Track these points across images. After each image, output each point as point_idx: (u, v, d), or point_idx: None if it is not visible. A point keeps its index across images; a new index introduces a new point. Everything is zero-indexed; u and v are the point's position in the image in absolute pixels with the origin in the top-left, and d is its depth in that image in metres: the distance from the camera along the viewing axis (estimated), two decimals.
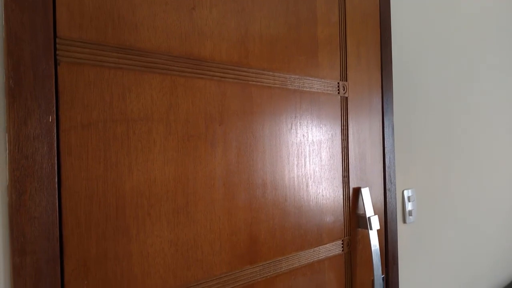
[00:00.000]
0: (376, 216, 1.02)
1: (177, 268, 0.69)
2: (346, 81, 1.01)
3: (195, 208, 0.71)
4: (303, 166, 0.90)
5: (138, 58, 0.64)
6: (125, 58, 0.62)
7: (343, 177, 1.00)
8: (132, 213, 0.63)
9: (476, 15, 1.69)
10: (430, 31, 1.39)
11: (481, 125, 1.72)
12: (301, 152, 0.89)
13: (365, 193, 1.03)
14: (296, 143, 0.88)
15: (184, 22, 0.70)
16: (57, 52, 0.56)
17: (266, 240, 0.82)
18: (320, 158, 0.94)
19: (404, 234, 1.26)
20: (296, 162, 0.88)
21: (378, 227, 1.02)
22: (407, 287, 1.26)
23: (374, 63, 1.10)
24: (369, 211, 1.02)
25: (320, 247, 0.94)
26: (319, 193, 0.94)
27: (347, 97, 1.01)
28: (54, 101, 0.55)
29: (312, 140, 0.92)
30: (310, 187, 0.91)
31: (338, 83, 0.98)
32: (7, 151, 0.51)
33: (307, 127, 0.91)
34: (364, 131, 1.06)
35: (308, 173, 0.91)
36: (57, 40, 0.56)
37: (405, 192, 1.26)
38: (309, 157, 0.91)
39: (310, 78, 0.91)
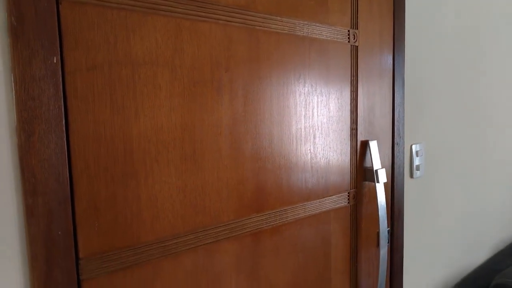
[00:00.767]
0: (384, 169, 1.02)
1: (186, 213, 0.70)
2: (357, 29, 0.97)
3: (202, 156, 0.71)
4: (310, 117, 0.89)
5: None
6: None
7: (351, 129, 0.99)
8: (140, 158, 0.63)
9: None
10: None
11: (493, 81, 1.67)
12: (309, 102, 0.88)
13: (373, 146, 1.02)
14: (304, 93, 0.87)
15: None
16: None
17: (273, 189, 0.83)
18: (328, 109, 0.93)
19: (410, 189, 1.26)
20: (303, 113, 0.87)
21: (385, 180, 1.02)
22: (412, 241, 1.28)
23: (387, 11, 1.06)
24: (376, 164, 1.02)
25: (326, 198, 0.95)
26: (326, 145, 0.93)
27: (357, 46, 0.98)
28: (58, 41, 0.54)
29: (321, 90, 0.90)
30: (318, 138, 0.91)
31: (349, 31, 0.95)
32: (14, 91, 0.51)
33: (315, 76, 0.89)
34: (374, 83, 1.04)
35: (316, 124, 0.90)
36: None
37: (414, 147, 1.25)
38: (317, 108, 0.90)
39: (320, 25, 0.88)
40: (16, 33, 0.50)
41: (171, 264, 0.69)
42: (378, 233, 1.08)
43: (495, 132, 1.72)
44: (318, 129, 0.91)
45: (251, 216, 0.80)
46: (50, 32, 0.53)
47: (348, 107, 0.98)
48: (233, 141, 0.75)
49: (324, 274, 0.96)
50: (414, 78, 1.23)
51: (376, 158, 1.02)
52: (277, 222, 0.84)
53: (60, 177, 0.55)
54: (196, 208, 0.71)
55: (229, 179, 0.76)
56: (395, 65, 1.11)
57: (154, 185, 0.65)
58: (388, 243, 1.11)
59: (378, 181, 1.02)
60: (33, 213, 0.53)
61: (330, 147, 0.94)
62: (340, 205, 0.98)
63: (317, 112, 0.90)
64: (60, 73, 0.55)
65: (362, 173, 1.04)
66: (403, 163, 1.17)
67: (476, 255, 1.68)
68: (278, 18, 0.80)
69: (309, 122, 0.88)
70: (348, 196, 1.01)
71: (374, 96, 1.04)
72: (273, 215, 0.83)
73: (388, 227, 1.13)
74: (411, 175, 1.26)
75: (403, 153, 1.17)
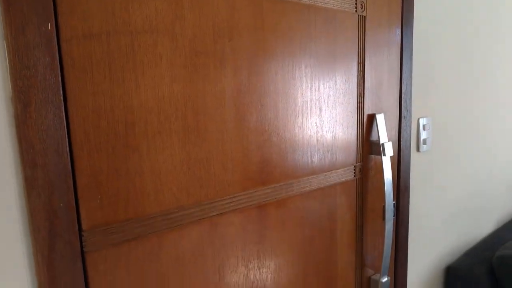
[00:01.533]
0: (390, 142, 1.00)
1: (190, 186, 0.69)
2: None
3: (205, 127, 0.69)
4: (317, 90, 0.86)
5: None
6: None
7: (358, 102, 0.97)
8: (142, 130, 0.62)
9: None
10: None
11: (504, 56, 1.63)
12: (315, 74, 0.85)
13: (380, 119, 1.00)
14: (310, 65, 0.84)
15: None
16: None
17: (278, 163, 0.82)
18: (335, 81, 0.90)
19: (417, 163, 1.24)
20: (310, 85, 0.84)
21: (392, 154, 1.01)
22: (417, 214, 1.28)
23: None
24: (383, 137, 1.00)
25: (332, 172, 0.93)
26: (333, 118, 0.91)
27: (364, 16, 0.94)
28: (52, 7, 0.51)
29: (327, 62, 0.87)
30: (324, 111, 0.89)
31: None
32: (7, 60, 0.49)
33: (321, 47, 0.86)
34: (382, 55, 1.01)
35: (322, 97, 0.88)
36: None
37: (421, 121, 1.23)
38: (323, 80, 0.87)
39: None
40: None
41: (177, 237, 0.68)
42: (384, 207, 1.07)
43: (504, 107, 1.69)
44: (324, 102, 0.88)
45: (257, 189, 0.79)
46: None
47: (355, 80, 0.95)
48: (237, 112, 0.73)
49: (330, 247, 0.96)
50: (422, 51, 1.19)
51: (382, 132, 1.00)
52: (283, 195, 0.83)
53: (60, 149, 0.54)
54: (200, 180, 0.70)
55: (234, 151, 0.74)
56: (403, 37, 1.07)
57: (157, 157, 0.64)
58: (394, 216, 1.10)
59: (384, 155, 1.00)
60: (33, 185, 0.52)
61: (336, 120, 0.92)
62: (346, 178, 0.97)
63: (323, 84, 0.87)
64: (56, 41, 0.52)
65: (368, 146, 1.02)
66: (410, 137, 1.15)
67: (481, 228, 1.68)
68: None
69: (315, 95, 0.86)
70: (354, 169, 0.99)
71: (382, 69, 1.01)
72: (278, 188, 0.82)
73: (394, 201, 1.12)
74: (418, 149, 1.24)
75: (410, 127, 1.14)
